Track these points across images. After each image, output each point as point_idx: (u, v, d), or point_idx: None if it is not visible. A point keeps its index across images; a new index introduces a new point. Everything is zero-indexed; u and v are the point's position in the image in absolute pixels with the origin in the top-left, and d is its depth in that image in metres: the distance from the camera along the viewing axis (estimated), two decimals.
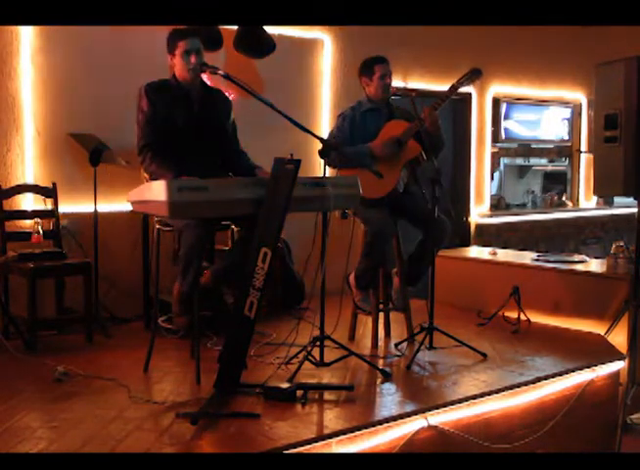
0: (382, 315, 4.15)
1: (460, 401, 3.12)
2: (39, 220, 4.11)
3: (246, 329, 2.95)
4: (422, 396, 3.19)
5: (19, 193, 4.26)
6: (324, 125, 5.57)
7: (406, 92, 3.96)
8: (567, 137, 7.82)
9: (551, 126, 7.65)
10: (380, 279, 4.04)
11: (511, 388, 3.32)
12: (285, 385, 3.06)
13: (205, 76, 3.60)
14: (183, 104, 3.43)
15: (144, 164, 3.35)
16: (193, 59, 3.36)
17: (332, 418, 2.87)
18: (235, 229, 3.57)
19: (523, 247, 6.72)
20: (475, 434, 3.11)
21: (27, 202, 4.35)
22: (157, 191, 2.79)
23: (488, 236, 6.97)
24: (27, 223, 4.29)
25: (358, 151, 3.84)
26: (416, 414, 2.95)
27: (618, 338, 4.16)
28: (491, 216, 7.04)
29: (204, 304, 3.34)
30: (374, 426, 2.81)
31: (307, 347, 3.40)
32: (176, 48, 3.38)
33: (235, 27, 4.64)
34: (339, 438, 2.70)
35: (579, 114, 7.83)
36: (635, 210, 4.17)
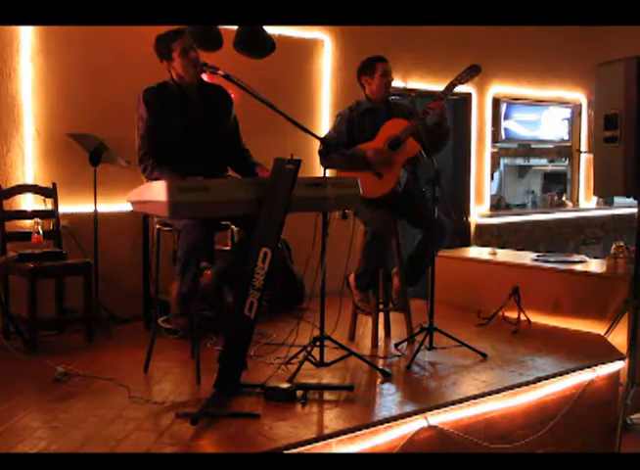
0: (382, 315, 4.15)
1: (460, 401, 3.12)
2: (39, 220, 4.11)
3: (246, 329, 2.95)
4: (422, 396, 3.19)
5: (19, 193, 4.26)
6: (324, 125, 5.56)
7: (406, 92, 3.97)
8: (567, 137, 7.83)
9: (551, 126, 7.65)
10: (380, 279, 4.05)
11: (511, 388, 3.32)
12: (285, 385, 3.06)
13: (205, 76, 3.59)
14: (182, 106, 3.42)
15: (145, 172, 3.34)
16: (193, 54, 3.36)
17: (332, 418, 2.87)
18: (235, 229, 3.57)
19: (522, 247, 6.72)
20: (475, 434, 3.11)
21: (27, 202, 4.35)
22: (157, 191, 2.78)
23: (488, 236, 6.98)
24: (27, 223, 4.29)
25: (352, 155, 3.83)
26: (416, 414, 2.95)
27: (618, 338, 4.16)
28: (491, 216, 7.04)
29: (204, 304, 3.34)
30: (374, 426, 2.81)
31: (307, 347, 3.40)
32: (172, 50, 3.37)
33: (235, 27, 4.63)
34: (339, 438, 2.70)
35: (579, 114, 7.83)
36: (635, 210, 4.17)
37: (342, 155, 3.79)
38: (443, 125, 3.84)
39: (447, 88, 3.77)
